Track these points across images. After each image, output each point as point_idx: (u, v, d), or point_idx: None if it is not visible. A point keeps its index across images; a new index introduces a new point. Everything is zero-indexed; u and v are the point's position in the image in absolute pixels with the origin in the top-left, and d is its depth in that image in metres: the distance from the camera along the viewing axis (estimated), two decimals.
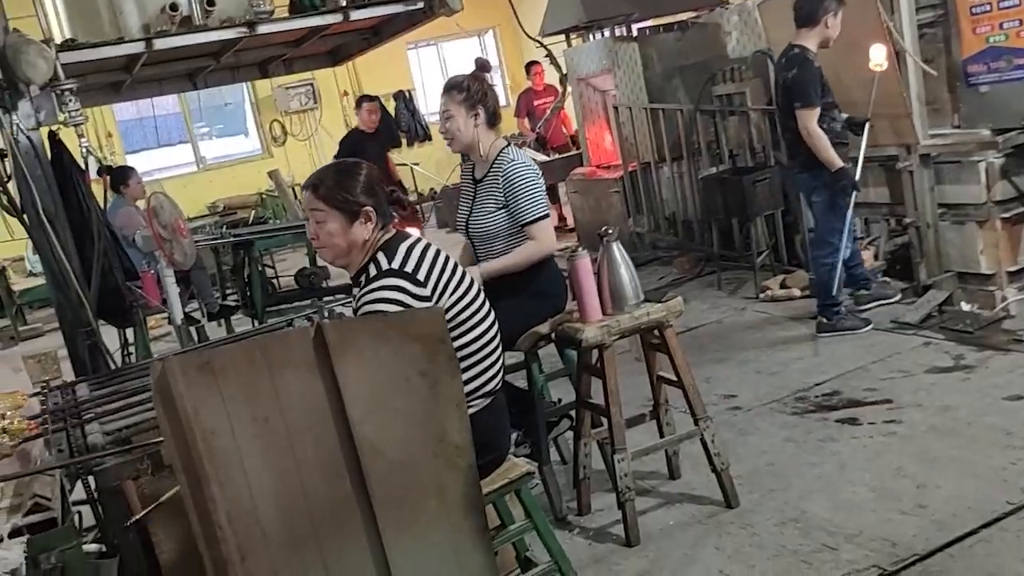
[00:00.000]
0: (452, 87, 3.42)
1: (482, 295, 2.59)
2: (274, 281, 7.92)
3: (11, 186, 4.17)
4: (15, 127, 4.09)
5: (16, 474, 2.13)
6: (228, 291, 7.58)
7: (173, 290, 5.29)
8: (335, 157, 5.02)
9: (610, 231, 3.27)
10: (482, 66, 3.76)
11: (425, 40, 14.78)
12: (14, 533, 1.86)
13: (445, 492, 1.49)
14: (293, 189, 11.57)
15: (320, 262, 7.57)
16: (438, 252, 2.50)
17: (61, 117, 4.28)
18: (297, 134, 14.10)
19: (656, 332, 3.29)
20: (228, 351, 1.44)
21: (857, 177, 4.77)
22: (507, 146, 3.47)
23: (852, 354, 4.55)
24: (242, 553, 1.47)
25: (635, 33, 7.81)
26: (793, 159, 5.00)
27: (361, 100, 8.77)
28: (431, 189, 13.88)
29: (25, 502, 1.96)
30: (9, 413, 2.78)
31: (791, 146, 4.99)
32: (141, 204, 7.34)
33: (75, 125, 4.25)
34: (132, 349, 6.05)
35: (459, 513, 1.50)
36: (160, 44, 4.61)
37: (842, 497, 3.22)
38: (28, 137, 4.13)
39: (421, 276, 2.35)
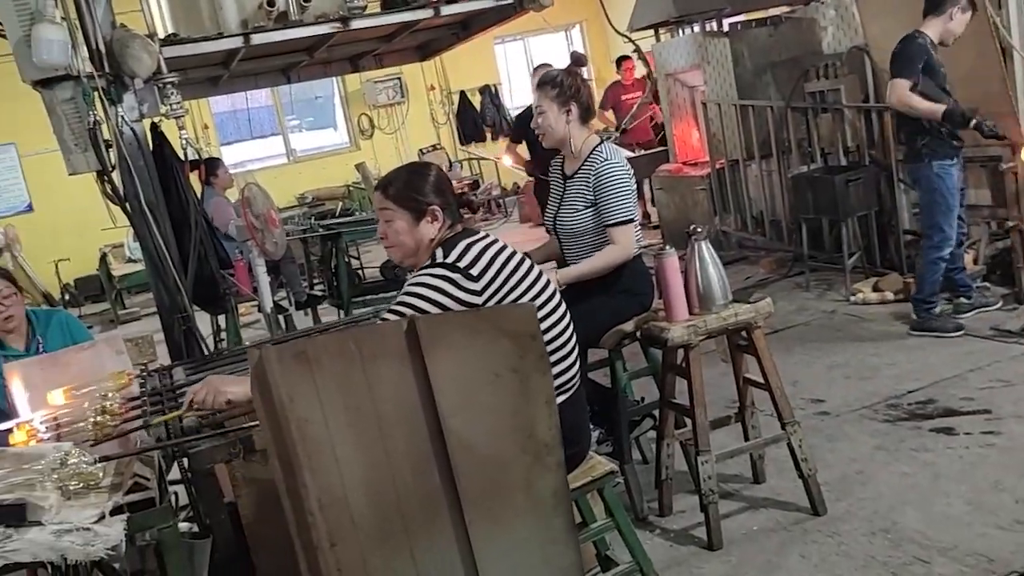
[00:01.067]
0: (545, 82, 3.41)
1: (557, 295, 2.57)
2: (359, 272, 8.05)
3: (115, 176, 4.34)
4: (120, 119, 4.24)
5: (118, 455, 2.22)
6: (315, 281, 7.74)
7: (264, 279, 5.44)
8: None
9: (698, 229, 3.23)
10: (577, 60, 3.76)
11: (512, 35, 14.81)
12: (115, 511, 1.93)
13: (533, 488, 1.49)
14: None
15: None
16: (502, 250, 2.46)
17: (163, 109, 4.42)
18: (384, 127, 14.29)
19: (743, 333, 3.23)
20: (323, 341, 1.47)
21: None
22: (601, 143, 3.44)
23: (949, 362, 4.39)
24: (332, 540, 1.50)
25: (726, 28, 7.67)
26: (902, 147, 4.90)
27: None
28: (514, 183, 13.92)
29: (126, 481, 2.04)
30: (111, 394, 2.90)
31: (897, 134, 4.91)
32: (230, 194, 7.57)
33: (176, 117, 4.40)
34: (223, 335, 6.24)
35: (547, 509, 1.50)
36: (257, 39, 4.73)
37: (936, 509, 3.11)
38: (132, 129, 4.28)
39: (475, 272, 2.30)
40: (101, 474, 2.18)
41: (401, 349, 1.47)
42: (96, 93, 4.18)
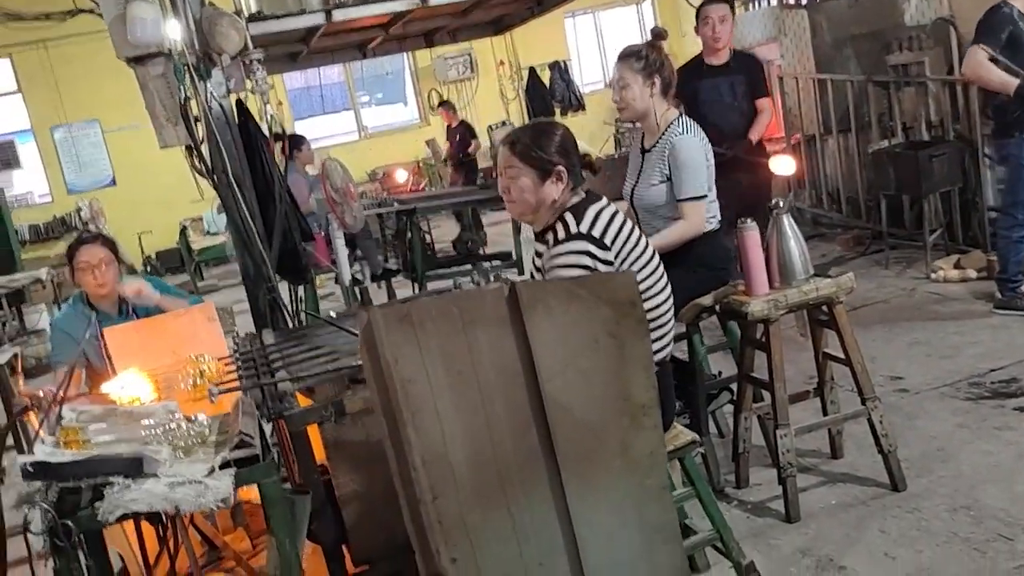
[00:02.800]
0: (630, 55, 3.42)
1: (661, 266, 2.62)
2: (431, 246, 8.16)
3: (203, 149, 4.48)
4: (208, 94, 4.38)
5: (226, 414, 2.33)
6: (389, 255, 7.87)
7: (343, 252, 5.56)
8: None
9: (780, 203, 3.22)
10: (658, 35, 3.75)
11: (583, 9, 14.72)
12: (224, 465, 2.04)
13: (630, 450, 1.54)
14: (446, 159, 11.91)
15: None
16: (625, 220, 2.55)
17: (249, 85, 4.54)
18: (454, 103, 14.35)
19: (824, 308, 3.22)
20: (426, 305, 1.54)
21: None
22: (679, 117, 3.45)
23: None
24: (434, 493, 1.57)
25: (804, 1, 7.53)
26: (990, 121, 4.80)
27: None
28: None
29: (231, 438, 2.14)
30: (208, 358, 3.04)
31: (985, 108, 4.82)
32: (310, 170, 7.73)
33: (261, 93, 4.52)
34: (302, 305, 6.40)
35: (643, 471, 1.55)
36: (339, 15, 4.82)
37: (1019, 488, 3.07)
38: (220, 104, 4.41)
39: (608, 240, 2.41)
40: (207, 431, 2.31)
41: (502, 314, 1.52)
42: (186, 69, 4.31)
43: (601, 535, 1.54)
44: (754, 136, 4.83)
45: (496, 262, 6.94)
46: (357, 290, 6.65)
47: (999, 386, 3.89)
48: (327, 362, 2.85)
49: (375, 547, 2.73)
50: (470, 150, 11.07)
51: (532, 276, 2.63)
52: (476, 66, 14.24)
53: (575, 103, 14.94)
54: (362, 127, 14.69)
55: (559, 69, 14.83)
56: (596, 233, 2.42)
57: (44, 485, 1.98)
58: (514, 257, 6.76)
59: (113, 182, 13.01)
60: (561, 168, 2.49)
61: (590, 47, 15.57)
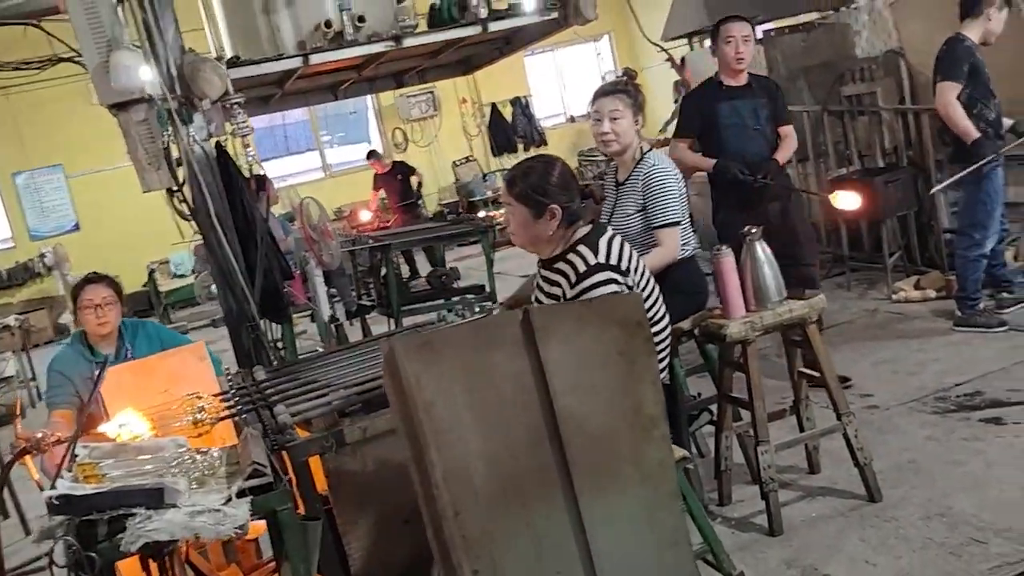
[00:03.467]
0: (621, 91, 3.59)
1: (659, 293, 2.79)
2: (407, 282, 8.25)
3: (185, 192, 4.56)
4: (190, 138, 4.46)
5: (234, 446, 2.40)
6: (364, 292, 7.94)
7: (322, 289, 5.66)
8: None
9: (753, 230, 3.38)
10: (630, 75, 3.94)
11: (541, 47, 15.02)
12: (240, 494, 2.12)
13: (641, 460, 1.65)
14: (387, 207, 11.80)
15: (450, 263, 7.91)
16: (631, 248, 2.71)
17: (229, 128, 4.64)
18: (418, 141, 14.52)
19: (798, 329, 3.37)
20: (446, 332, 1.64)
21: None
22: (650, 150, 3.62)
23: (993, 356, 4.50)
24: (456, 509, 1.67)
25: (759, 35, 7.81)
26: (947, 147, 5.00)
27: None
28: None
29: (244, 468, 2.22)
30: (205, 395, 3.10)
31: (943, 135, 5.01)
32: (275, 210, 7.79)
33: (242, 136, 4.62)
34: (279, 343, 6.44)
35: (653, 478, 1.66)
36: (316, 59, 4.93)
37: (990, 495, 3.23)
38: (201, 147, 4.50)
39: (623, 267, 2.58)
40: (217, 463, 2.38)
41: (517, 337, 1.64)
42: (168, 114, 4.40)
43: (615, 542, 1.64)
44: (781, 161, 4.61)
45: (470, 296, 7.04)
46: (333, 327, 6.75)
47: (964, 399, 4.07)
48: (322, 396, 2.94)
49: (374, 574, 2.80)
50: (413, 179, 11.02)
51: (536, 300, 2.76)
52: (439, 104, 14.45)
53: (536, 138, 15.19)
54: (327, 166, 14.78)
55: (520, 105, 15.11)
56: (613, 261, 2.58)
57: (65, 519, 2.04)
58: (487, 290, 6.87)
59: (77, 227, 12.95)
60: (555, 207, 2.62)
61: (549, 83, 15.88)
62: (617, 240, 2.70)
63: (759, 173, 4.35)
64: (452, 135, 14.73)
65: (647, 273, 2.78)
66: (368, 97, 14.50)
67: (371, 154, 11.20)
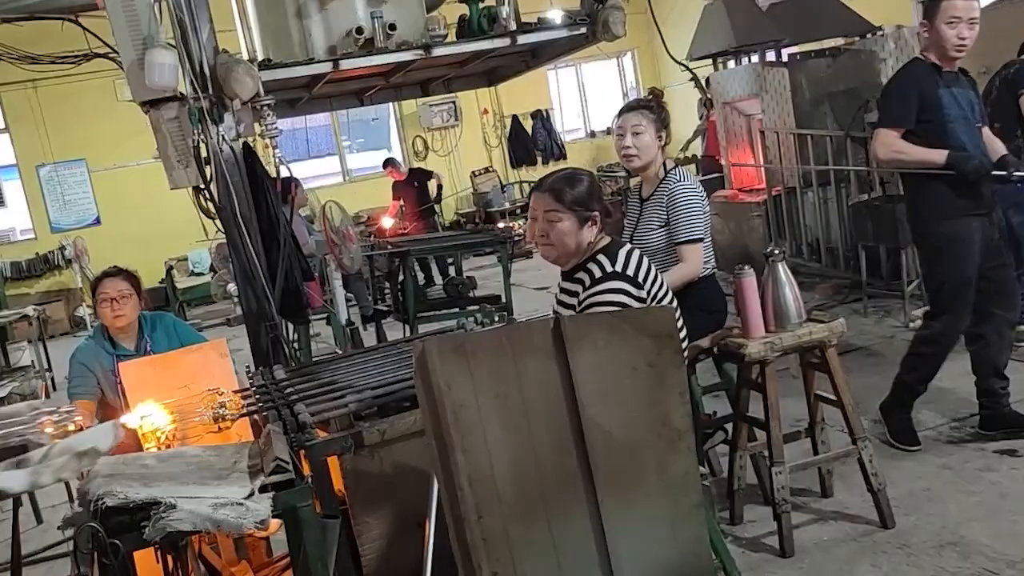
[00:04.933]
0: (644, 107, 3.62)
1: (678, 308, 2.80)
2: (424, 289, 8.29)
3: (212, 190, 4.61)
4: (219, 137, 4.52)
5: (256, 442, 2.43)
6: (379, 297, 7.98)
7: (340, 292, 5.69)
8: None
9: (776, 251, 3.40)
10: (655, 94, 3.97)
11: (564, 62, 15.09)
12: (262, 489, 2.14)
13: (666, 471, 1.67)
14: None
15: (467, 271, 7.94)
16: (650, 262, 2.73)
17: (258, 130, 4.70)
18: (438, 150, 14.60)
19: (817, 351, 3.38)
20: (478, 337, 1.67)
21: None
22: (675, 167, 3.65)
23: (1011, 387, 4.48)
24: (479, 512, 1.69)
25: (785, 59, 7.85)
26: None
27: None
28: None
29: (267, 463, 2.25)
30: (225, 391, 3.14)
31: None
32: (303, 212, 7.86)
33: (271, 137, 4.68)
34: (295, 345, 6.48)
35: (678, 489, 1.67)
36: (345, 65, 4.99)
37: (1003, 526, 3.22)
38: (230, 147, 4.55)
39: (640, 279, 2.59)
40: (239, 459, 2.41)
41: (547, 345, 1.66)
42: (200, 113, 4.45)
43: (636, 551, 1.66)
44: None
45: (489, 305, 7.07)
46: (348, 331, 6.79)
47: (978, 430, 4.06)
48: (340, 397, 2.97)
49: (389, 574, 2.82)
50: (431, 184, 11.05)
51: (554, 311, 2.79)
52: (460, 114, 14.52)
53: (557, 152, 15.26)
54: (346, 171, 14.87)
55: (541, 118, 15.17)
56: (630, 272, 2.60)
57: (92, 506, 2.07)
58: (503, 300, 6.90)
59: (98, 221, 13.06)
60: (596, 214, 2.67)
61: (571, 98, 15.95)
62: (636, 253, 2.73)
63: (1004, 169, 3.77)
64: (472, 145, 14.81)
65: (667, 289, 2.80)
66: (390, 104, 14.60)
67: (388, 162, 11.23)
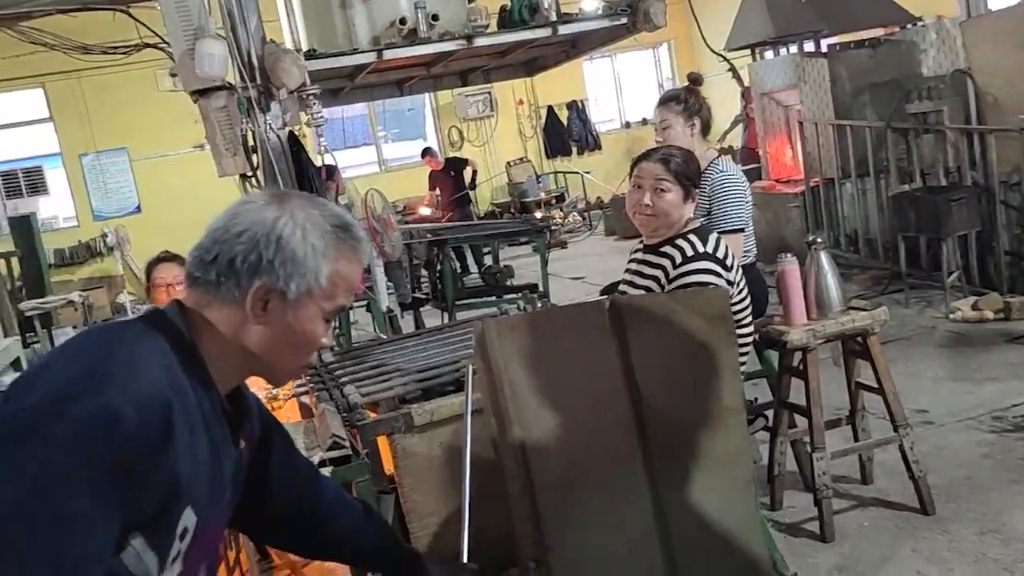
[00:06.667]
0: (670, 99, 3.65)
1: (750, 300, 2.89)
2: (462, 277, 8.37)
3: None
4: (267, 126, 4.61)
5: (310, 420, 2.51)
6: (416, 285, 8.08)
7: (382, 279, 5.78)
8: None
9: (818, 240, 3.42)
10: (695, 80, 3.98)
11: (600, 52, 15.07)
12: (321, 464, 2.22)
13: (718, 448, 1.71)
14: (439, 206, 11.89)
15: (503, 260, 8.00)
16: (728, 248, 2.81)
17: (304, 119, 4.79)
18: (473, 140, 14.65)
19: (858, 339, 3.41)
20: (536, 315, 1.72)
21: None
22: (718, 157, 3.67)
23: None
24: (534, 487, 1.75)
25: (824, 49, 7.81)
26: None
27: None
28: (598, 198, 14.16)
29: (324, 440, 2.33)
30: None
31: None
32: (342, 200, 7.96)
33: (316, 126, 4.76)
34: (337, 330, 6.58)
35: (729, 464, 1.72)
36: (389, 55, 5.06)
37: None
38: (277, 135, 4.64)
39: (728, 263, 2.67)
40: (295, 435, 2.50)
41: (604, 324, 1.71)
42: (248, 102, 4.55)
43: (691, 526, 1.71)
44: None
45: (531, 293, 7.11)
46: (387, 318, 6.87)
47: (1021, 420, 4.06)
48: (387, 380, 3.04)
49: (435, 554, 2.89)
50: (466, 172, 11.14)
51: (627, 283, 2.87)
52: (496, 104, 14.56)
53: (591, 142, 15.25)
54: (382, 161, 14.98)
55: (576, 108, 15.16)
56: (719, 255, 2.66)
57: None
58: (541, 288, 6.94)
59: (138, 209, 13.27)
60: (696, 191, 2.74)
61: (607, 88, 15.93)
62: (723, 240, 2.81)
63: None
64: (507, 136, 14.85)
65: (743, 280, 2.88)
66: (426, 95, 14.69)
67: (426, 151, 11.34)
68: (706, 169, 3.65)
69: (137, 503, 1.10)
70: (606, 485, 1.76)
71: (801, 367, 3.35)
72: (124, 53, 5.54)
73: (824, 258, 3.35)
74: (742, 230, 3.61)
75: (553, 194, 14.07)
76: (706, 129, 3.74)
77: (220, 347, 1.30)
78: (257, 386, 3.20)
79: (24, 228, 10.07)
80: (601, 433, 1.75)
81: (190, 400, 1.22)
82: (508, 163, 14.44)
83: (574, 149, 15.10)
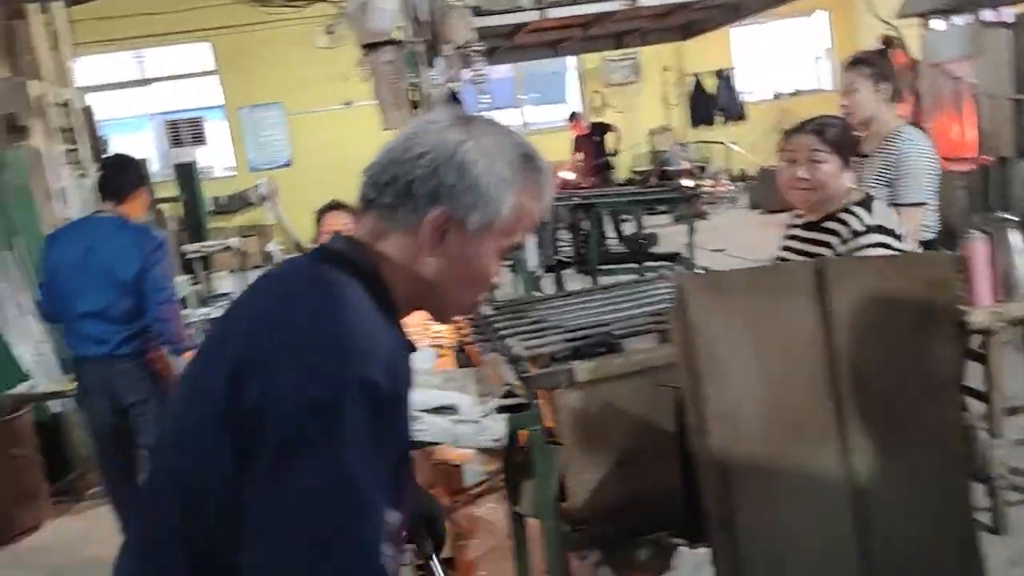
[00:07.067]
0: (859, 61, 3.49)
1: None
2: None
3: None
4: (432, 80, 4.69)
5: (479, 368, 2.56)
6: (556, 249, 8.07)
7: (531, 238, 5.81)
8: None
9: (1008, 216, 3.22)
10: (888, 43, 3.80)
11: (752, 19, 14.58)
12: (501, 410, 2.26)
13: (928, 421, 1.64)
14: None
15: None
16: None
17: (467, 75, 4.84)
18: (616, 106, 14.48)
19: None
20: (736, 273, 1.69)
21: None
22: (905, 125, 3.50)
23: None
24: (724, 444, 1.73)
25: (1007, 19, 7.29)
26: None
27: None
28: (741, 169, 13.79)
29: (497, 388, 2.36)
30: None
31: None
32: None
33: (479, 83, 4.81)
34: None
35: (940, 441, 1.64)
36: (553, 13, 5.06)
37: None
38: (440, 90, 4.72)
39: (899, 234, 2.54)
40: (468, 382, 2.55)
41: (808, 285, 1.66)
42: (414, 57, 4.63)
43: (888, 497, 1.64)
44: None
45: (665, 262, 7.03)
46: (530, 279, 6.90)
47: None
48: (554, 334, 3.05)
49: (590, 510, 2.91)
50: (608, 137, 11.04)
51: (782, 261, 2.77)
52: (640, 70, 14.33)
53: (737, 112, 14.82)
54: (525, 124, 15.02)
55: (723, 77, 14.75)
56: (890, 227, 2.53)
57: None
58: (684, 257, 6.84)
59: (288, 163, 13.78)
60: (851, 161, 2.63)
61: (754, 57, 15.42)
62: (895, 212, 2.67)
63: None
64: (651, 103, 14.61)
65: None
66: (574, 59, 14.60)
67: (572, 115, 11.29)
68: (892, 137, 3.49)
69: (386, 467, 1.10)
70: (800, 450, 1.72)
71: (981, 350, 3.18)
72: (299, 7, 5.72)
73: (1015, 237, 3.16)
74: (924, 204, 3.43)
75: (697, 164, 13.77)
76: (895, 95, 3.57)
77: (396, 279, 1.22)
78: (421, 334, 3.28)
79: (187, 175, 10.61)
80: (799, 397, 1.71)
81: (399, 355, 1.19)
82: (650, 131, 14.22)
83: (719, 119, 14.71)
